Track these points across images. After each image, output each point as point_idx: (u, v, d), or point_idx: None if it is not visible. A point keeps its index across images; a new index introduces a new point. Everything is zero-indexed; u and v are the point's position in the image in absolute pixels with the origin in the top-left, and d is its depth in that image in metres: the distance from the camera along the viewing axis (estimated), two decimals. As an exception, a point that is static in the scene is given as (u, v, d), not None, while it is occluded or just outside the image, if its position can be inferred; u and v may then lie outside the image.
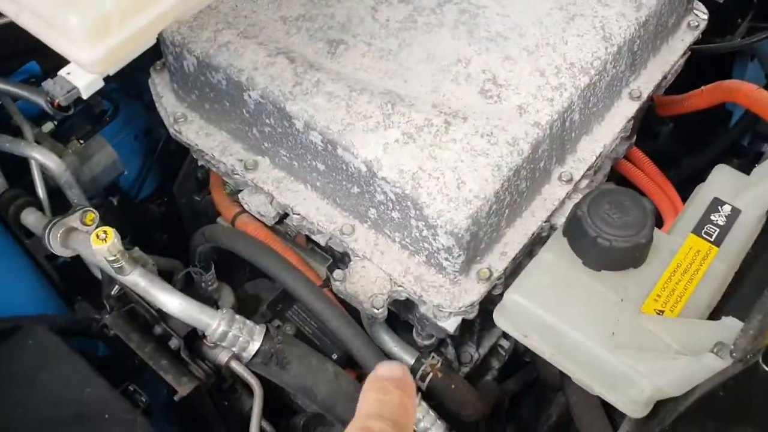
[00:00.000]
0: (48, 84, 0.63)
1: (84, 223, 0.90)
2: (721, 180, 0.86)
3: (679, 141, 1.83)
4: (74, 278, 1.14)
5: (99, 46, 0.57)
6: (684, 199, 1.52)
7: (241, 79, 0.99)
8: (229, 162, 1.08)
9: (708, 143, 1.80)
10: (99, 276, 1.04)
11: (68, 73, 0.62)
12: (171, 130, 1.13)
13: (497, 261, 0.97)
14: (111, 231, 0.77)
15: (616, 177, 1.42)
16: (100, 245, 0.75)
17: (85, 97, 0.64)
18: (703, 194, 0.84)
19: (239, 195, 1.10)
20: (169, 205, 1.48)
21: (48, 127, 1.19)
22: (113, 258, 0.78)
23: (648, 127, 1.57)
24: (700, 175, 1.79)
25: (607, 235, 0.74)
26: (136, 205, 1.42)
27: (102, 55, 0.57)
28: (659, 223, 1.35)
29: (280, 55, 0.99)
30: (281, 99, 0.96)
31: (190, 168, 1.38)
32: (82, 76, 0.61)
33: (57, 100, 0.63)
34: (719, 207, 0.82)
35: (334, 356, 1.12)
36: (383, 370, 0.60)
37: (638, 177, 1.40)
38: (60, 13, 0.55)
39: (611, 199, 0.76)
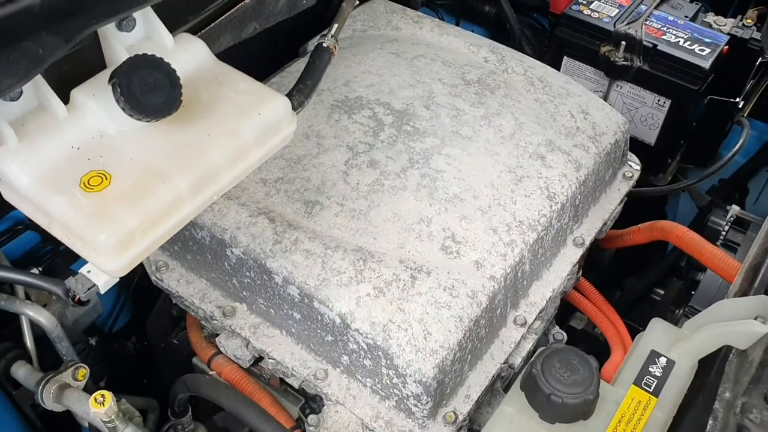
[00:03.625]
0: (71, 282, 0.71)
1: (76, 379, 0.95)
2: (657, 333, 0.97)
3: (621, 264, 1.97)
4: (56, 424, 1.17)
5: (122, 258, 0.65)
6: (630, 320, 1.64)
7: (224, 237, 1.08)
8: (208, 308, 1.15)
9: (649, 264, 1.94)
10: (83, 424, 1.08)
11: (88, 272, 0.70)
12: (153, 278, 1.20)
13: (462, 404, 1.05)
14: (108, 395, 0.83)
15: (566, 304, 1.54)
16: (98, 409, 0.81)
17: (102, 292, 0.71)
18: (641, 346, 0.95)
19: (216, 339, 1.17)
20: (143, 341, 1.52)
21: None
22: (109, 419, 0.83)
23: (593, 254, 1.70)
24: (645, 295, 1.91)
25: (560, 393, 0.83)
26: (112, 344, 1.46)
27: (124, 264, 0.66)
28: (606, 351, 1.46)
29: (261, 215, 1.09)
30: (262, 256, 1.05)
31: (164, 304, 1.44)
32: (101, 275, 0.69)
33: (78, 296, 0.70)
34: (656, 359, 0.92)
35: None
36: None
37: (586, 307, 1.51)
38: (89, 230, 0.63)
39: (561, 358, 0.86)
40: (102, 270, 0.66)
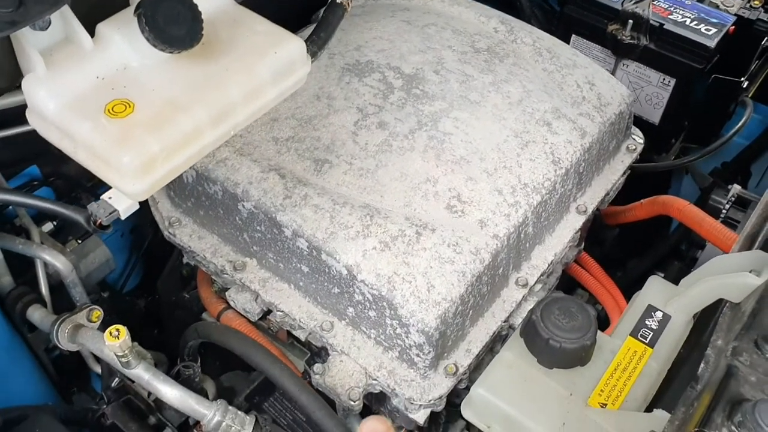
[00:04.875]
0: (93, 207, 0.74)
1: (90, 320, 0.99)
2: (654, 289, 1.00)
3: (624, 245, 1.99)
4: (67, 369, 1.21)
5: (144, 181, 0.68)
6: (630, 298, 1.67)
7: (236, 191, 1.11)
8: (219, 263, 1.19)
9: (651, 246, 1.96)
10: (94, 369, 1.11)
11: (110, 198, 0.73)
12: (166, 233, 1.23)
13: (462, 357, 1.08)
14: (123, 329, 0.86)
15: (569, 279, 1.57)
16: (113, 342, 0.84)
17: (123, 218, 0.75)
18: (638, 302, 0.98)
19: (227, 293, 1.20)
20: (154, 300, 1.56)
21: (48, 227, 1.28)
22: (122, 353, 0.87)
23: (596, 233, 1.72)
24: (646, 276, 1.94)
25: (558, 338, 0.86)
26: (124, 299, 1.50)
27: (146, 187, 0.69)
28: (605, 322, 1.49)
29: (272, 171, 1.12)
30: (273, 210, 1.09)
31: (174, 265, 1.47)
32: (123, 201, 0.72)
33: (100, 220, 0.74)
34: (653, 313, 0.95)
35: (309, 446, 1.20)
36: (367, 427, 0.70)
37: (587, 280, 1.54)
38: (114, 153, 0.66)
39: (561, 305, 0.89)
40: (124, 192, 0.69)
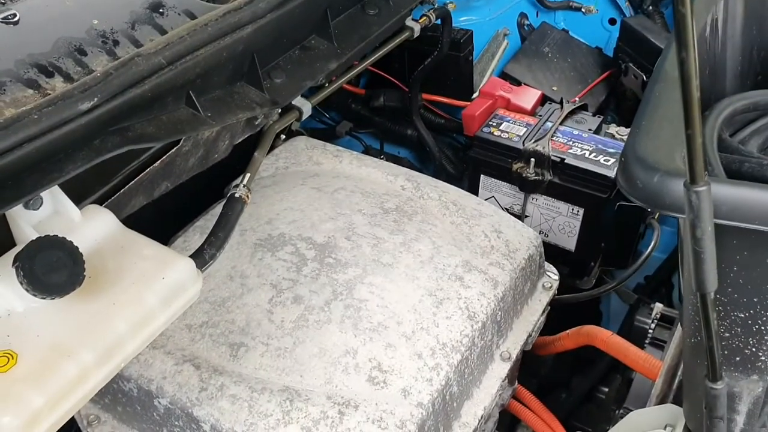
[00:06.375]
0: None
1: None
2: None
3: (563, 366, 2.00)
4: None
5: (29, 438, 0.66)
6: (578, 422, 1.67)
7: (150, 388, 1.08)
8: (141, 461, 1.14)
9: (591, 362, 1.97)
10: None
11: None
12: (83, 433, 1.18)
13: None
14: None
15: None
16: None
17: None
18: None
19: (151, 491, 1.15)
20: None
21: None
22: None
23: (530, 363, 1.73)
24: (591, 394, 1.93)
25: None
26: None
27: (31, 445, 0.67)
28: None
29: (187, 362, 1.10)
30: (188, 405, 1.06)
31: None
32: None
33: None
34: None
35: None
36: None
37: (527, 416, 1.53)
38: (-5, 396, 0.65)
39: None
40: (8, 454, 0.67)
